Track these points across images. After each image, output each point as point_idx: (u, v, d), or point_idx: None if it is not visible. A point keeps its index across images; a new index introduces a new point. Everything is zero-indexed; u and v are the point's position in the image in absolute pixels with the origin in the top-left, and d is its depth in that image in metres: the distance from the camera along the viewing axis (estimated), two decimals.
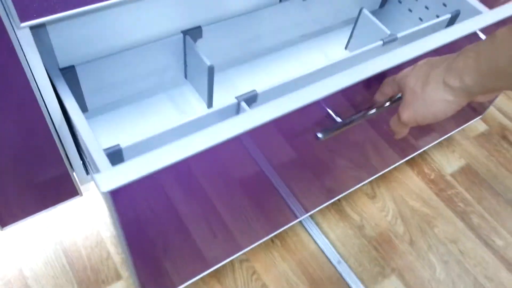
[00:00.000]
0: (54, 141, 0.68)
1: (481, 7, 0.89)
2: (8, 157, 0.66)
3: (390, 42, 0.86)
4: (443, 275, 0.92)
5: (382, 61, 0.60)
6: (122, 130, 0.83)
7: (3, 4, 0.46)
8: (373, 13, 1.03)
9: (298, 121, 0.55)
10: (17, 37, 0.51)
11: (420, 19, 1.04)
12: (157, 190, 0.47)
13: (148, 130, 0.83)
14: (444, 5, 0.96)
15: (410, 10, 1.05)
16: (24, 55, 0.54)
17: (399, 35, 0.87)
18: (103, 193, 0.41)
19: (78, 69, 0.72)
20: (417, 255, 0.94)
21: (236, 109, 0.73)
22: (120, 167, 0.43)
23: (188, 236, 0.65)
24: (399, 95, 0.61)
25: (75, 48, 0.74)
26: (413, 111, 0.53)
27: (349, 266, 0.92)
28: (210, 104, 0.84)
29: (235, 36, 0.87)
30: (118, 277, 0.84)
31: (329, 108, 0.57)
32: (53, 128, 0.66)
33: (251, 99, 0.73)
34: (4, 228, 0.77)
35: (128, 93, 0.82)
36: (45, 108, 0.62)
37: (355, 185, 0.97)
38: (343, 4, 1.00)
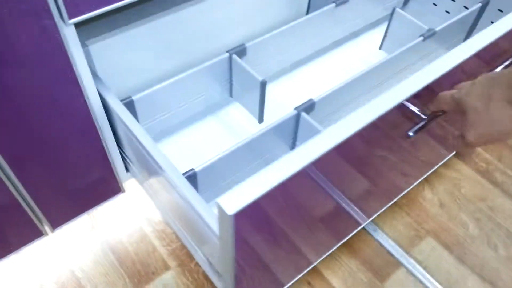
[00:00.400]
0: (102, 144, 0.71)
1: None
2: (61, 163, 0.68)
3: (430, 36, 0.87)
4: (477, 231, 0.94)
5: (453, 56, 0.59)
6: (180, 155, 0.83)
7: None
8: None
9: (385, 123, 0.54)
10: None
11: (447, 11, 1.05)
12: (265, 209, 0.47)
13: (206, 151, 0.84)
14: None
15: (435, 4, 1.06)
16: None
17: (437, 29, 0.87)
18: (227, 216, 0.40)
19: (135, 101, 0.72)
20: (448, 216, 0.96)
21: (296, 120, 0.73)
22: (237, 189, 0.42)
23: (281, 252, 0.64)
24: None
25: (130, 80, 0.75)
26: (479, 132, 0.50)
27: (386, 233, 0.93)
28: (261, 119, 0.84)
29: (273, 50, 0.88)
30: (167, 267, 0.85)
31: (413, 105, 0.56)
32: (101, 131, 0.69)
33: (309, 108, 0.73)
34: (55, 230, 0.78)
35: (179, 119, 0.83)
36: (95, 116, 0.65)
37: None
38: (368, 8, 1.01)
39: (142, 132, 0.63)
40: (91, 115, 0.65)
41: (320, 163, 0.47)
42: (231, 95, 0.88)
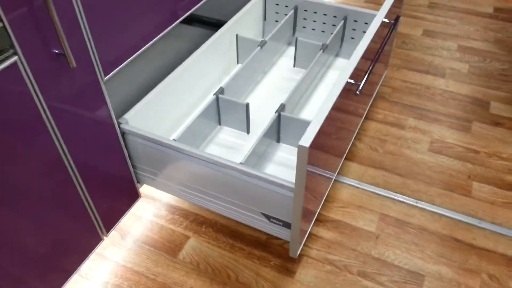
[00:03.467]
0: (128, 165, 1.06)
1: (360, 9, 1.43)
2: (107, 169, 1.00)
3: (325, 49, 1.35)
4: (383, 150, 1.42)
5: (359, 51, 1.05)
6: None
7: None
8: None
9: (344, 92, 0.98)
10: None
11: (323, 31, 1.56)
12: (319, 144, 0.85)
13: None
14: (335, 16, 1.49)
15: (313, 29, 1.57)
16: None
17: (327, 42, 1.36)
18: (305, 149, 0.78)
19: (177, 139, 1.06)
20: (373, 155, 1.43)
21: (278, 120, 1.13)
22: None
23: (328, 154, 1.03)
24: None
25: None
26: None
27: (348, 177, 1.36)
28: (248, 131, 1.23)
29: (237, 86, 1.28)
30: (187, 237, 1.19)
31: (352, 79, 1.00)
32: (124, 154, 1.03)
33: (283, 109, 1.14)
34: (108, 233, 1.07)
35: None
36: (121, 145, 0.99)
37: None
38: (279, 43, 1.48)
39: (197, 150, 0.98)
40: (118, 141, 1.00)
41: (326, 122, 0.88)
42: (219, 123, 1.26)
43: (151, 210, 1.27)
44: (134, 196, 1.13)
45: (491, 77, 1.74)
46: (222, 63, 1.39)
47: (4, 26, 0.67)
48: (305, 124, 1.11)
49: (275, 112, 1.12)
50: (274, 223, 1.01)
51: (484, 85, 1.69)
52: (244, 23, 1.45)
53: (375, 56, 1.07)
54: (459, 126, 1.52)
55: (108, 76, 0.92)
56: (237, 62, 1.48)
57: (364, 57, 1.05)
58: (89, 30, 0.83)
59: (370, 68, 1.03)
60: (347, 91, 0.99)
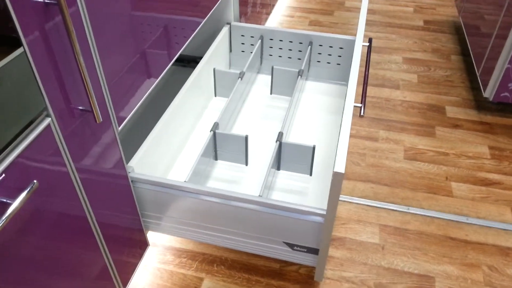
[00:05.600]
0: (138, 214, 1.02)
1: (325, 34, 1.51)
2: (123, 231, 0.97)
3: (301, 74, 1.40)
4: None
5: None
6: None
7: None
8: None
9: None
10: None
11: (289, 57, 1.62)
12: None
13: None
14: (300, 42, 1.56)
15: (280, 56, 1.62)
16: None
17: (302, 67, 1.42)
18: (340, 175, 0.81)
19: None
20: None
21: (279, 148, 1.16)
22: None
23: None
24: None
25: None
26: None
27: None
28: (247, 162, 1.23)
29: (228, 119, 1.29)
30: (201, 278, 1.17)
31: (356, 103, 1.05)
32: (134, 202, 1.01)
33: (281, 137, 1.17)
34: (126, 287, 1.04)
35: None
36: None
37: None
38: (254, 74, 1.51)
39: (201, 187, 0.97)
40: (131, 190, 0.97)
41: None
42: (215, 159, 1.25)
43: (155, 256, 1.22)
44: (144, 245, 1.09)
45: (438, 84, 1.90)
46: (202, 97, 1.39)
47: (39, 89, 0.63)
48: (307, 149, 1.15)
49: (276, 142, 1.14)
50: (298, 250, 1.02)
51: (435, 92, 1.85)
52: (216, 57, 1.47)
53: (365, 78, 1.14)
54: (425, 132, 1.64)
55: (121, 126, 0.89)
56: (215, 95, 1.48)
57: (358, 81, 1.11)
58: (106, 81, 0.80)
59: (364, 89, 1.09)
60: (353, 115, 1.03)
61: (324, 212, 0.91)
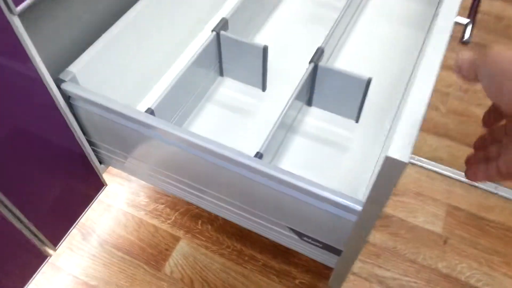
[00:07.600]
0: (77, 141, 0.68)
1: None
2: (44, 171, 0.64)
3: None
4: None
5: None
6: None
7: None
8: None
9: None
10: None
11: None
12: None
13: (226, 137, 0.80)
14: None
15: None
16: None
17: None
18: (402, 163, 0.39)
19: (154, 110, 0.66)
20: None
21: (314, 72, 0.73)
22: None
23: None
24: None
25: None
26: None
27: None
28: (264, 87, 0.82)
29: (248, 16, 0.86)
30: (176, 238, 0.85)
31: None
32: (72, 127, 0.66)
33: (320, 55, 0.74)
34: (56, 247, 0.72)
35: (186, 116, 0.78)
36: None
37: None
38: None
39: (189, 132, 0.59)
40: (58, 109, 0.61)
41: None
42: (221, 74, 0.85)
43: (124, 195, 0.90)
44: (96, 184, 0.76)
45: None
46: None
47: None
48: (358, 82, 0.71)
49: (310, 63, 0.72)
50: (309, 242, 0.65)
51: None
52: None
53: None
54: None
55: (21, 6, 0.50)
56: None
57: None
58: None
59: None
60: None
61: (360, 209, 0.51)
